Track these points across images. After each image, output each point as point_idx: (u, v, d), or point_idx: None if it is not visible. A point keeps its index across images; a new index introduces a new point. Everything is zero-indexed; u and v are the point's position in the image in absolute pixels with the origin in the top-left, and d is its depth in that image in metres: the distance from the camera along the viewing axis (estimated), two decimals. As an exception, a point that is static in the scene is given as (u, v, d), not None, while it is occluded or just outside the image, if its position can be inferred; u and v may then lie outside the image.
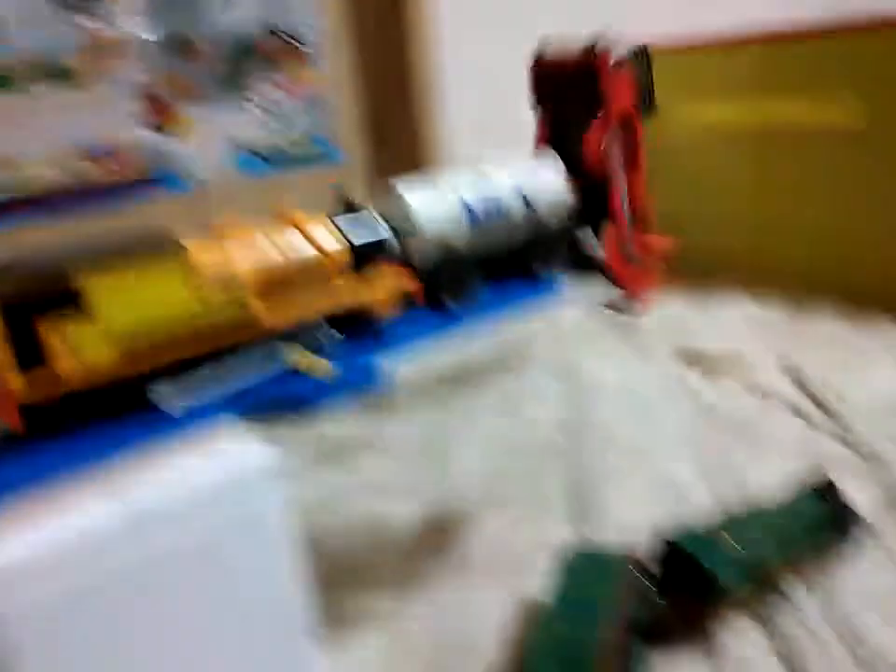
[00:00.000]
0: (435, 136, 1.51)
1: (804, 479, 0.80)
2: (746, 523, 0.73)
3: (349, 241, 0.68)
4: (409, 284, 0.74)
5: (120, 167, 1.22)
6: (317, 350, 0.65)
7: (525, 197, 0.85)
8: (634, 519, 0.86)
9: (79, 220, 1.18)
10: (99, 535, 0.43)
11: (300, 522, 0.94)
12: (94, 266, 0.54)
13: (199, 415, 0.56)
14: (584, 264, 0.91)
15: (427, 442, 1.12)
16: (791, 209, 1.58)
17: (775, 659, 0.66)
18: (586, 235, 0.93)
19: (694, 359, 1.29)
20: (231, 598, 0.48)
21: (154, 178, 1.26)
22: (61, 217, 1.17)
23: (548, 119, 0.93)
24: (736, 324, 1.43)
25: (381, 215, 0.74)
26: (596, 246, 0.91)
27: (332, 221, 0.69)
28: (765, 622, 0.70)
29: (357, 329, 0.69)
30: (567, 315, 1.45)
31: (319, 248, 0.66)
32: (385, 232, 0.72)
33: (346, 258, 0.67)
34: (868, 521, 0.81)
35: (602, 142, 0.84)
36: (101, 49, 1.19)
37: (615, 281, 0.87)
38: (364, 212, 0.72)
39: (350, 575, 0.84)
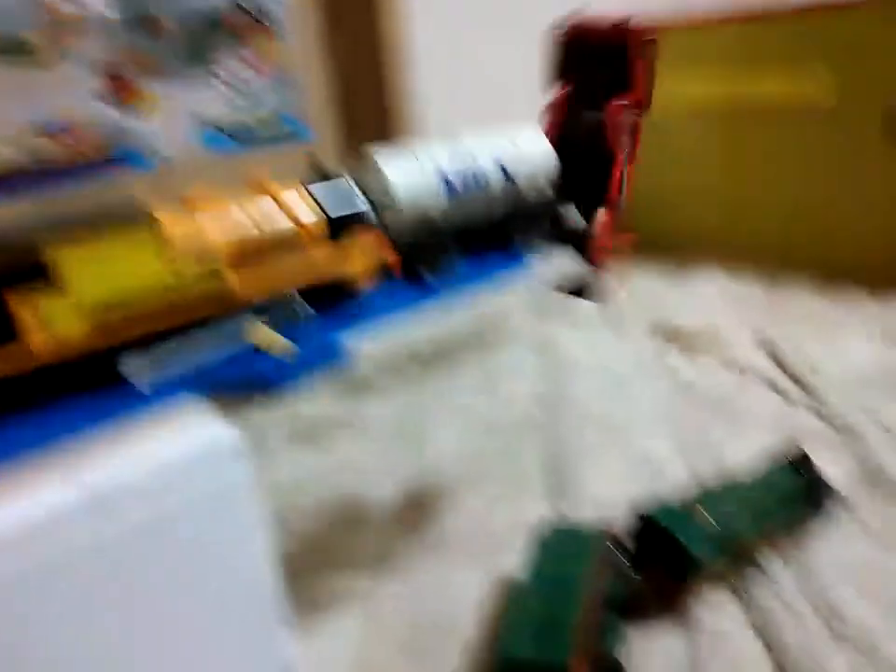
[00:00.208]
0: (406, 112, 1.49)
1: (778, 452, 0.80)
2: (720, 497, 0.73)
3: (326, 213, 0.67)
4: (386, 254, 0.72)
5: (82, 145, 1.19)
6: (291, 324, 0.64)
7: (504, 169, 0.83)
8: (610, 495, 0.86)
9: (39, 201, 1.15)
10: (61, 512, 0.42)
11: (274, 502, 0.94)
12: (65, 238, 0.52)
13: (165, 393, 0.55)
14: (565, 239, 0.90)
15: (403, 421, 1.11)
16: (765, 184, 1.59)
17: (751, 632, 0.66)
18: (568, 210, 0.91)
19: (671, 335, 1.29)
20: (197, 577, 0.47)
21: (117, 156, 1.23)
22: (20, 198, 1.14)
23: (568, 91, 0.88)
24: (712, 299, 1.43)
25: (357, 184, 0.72)
26: (578, 222, 0.90)
27: (308, 191, 0.68)
28: (741, 595, 0.70)
29: (334, 302, 0.68)
30: (543, 289, 1.44)
31: (295, 219, 0.64)
32: (362, 204, 0.70)
33: (320, 227, 0.66)
34: (843, 494, 0.81)
35: (622, 122, 0.82)
36: (61, 25, 1.15)
37: (592, 261, 0.85)
38: (340, 181, 0.71)
39: (326, 555, 0.83)
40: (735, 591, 0.70)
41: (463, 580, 0.77)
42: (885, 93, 1.34)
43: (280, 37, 1.38)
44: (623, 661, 0.62)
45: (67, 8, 1.15)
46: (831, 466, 0.85)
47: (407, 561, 0.81)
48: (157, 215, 0.57)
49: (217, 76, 1.31)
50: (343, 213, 0.69)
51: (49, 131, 1.16)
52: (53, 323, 0.52)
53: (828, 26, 1.40)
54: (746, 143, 1.59)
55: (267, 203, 0.64)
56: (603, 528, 0.70)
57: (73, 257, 0.52)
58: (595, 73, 0.84)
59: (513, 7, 1.58)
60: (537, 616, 0.60)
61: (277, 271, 0.64)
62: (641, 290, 1.51)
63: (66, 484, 0.43)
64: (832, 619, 0.65)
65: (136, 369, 0.56)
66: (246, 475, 0.49)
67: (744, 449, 0.90)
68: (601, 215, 0.84)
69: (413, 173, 0.77)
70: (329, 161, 0.75)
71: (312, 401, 1.18)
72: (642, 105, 0.84)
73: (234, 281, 0.61)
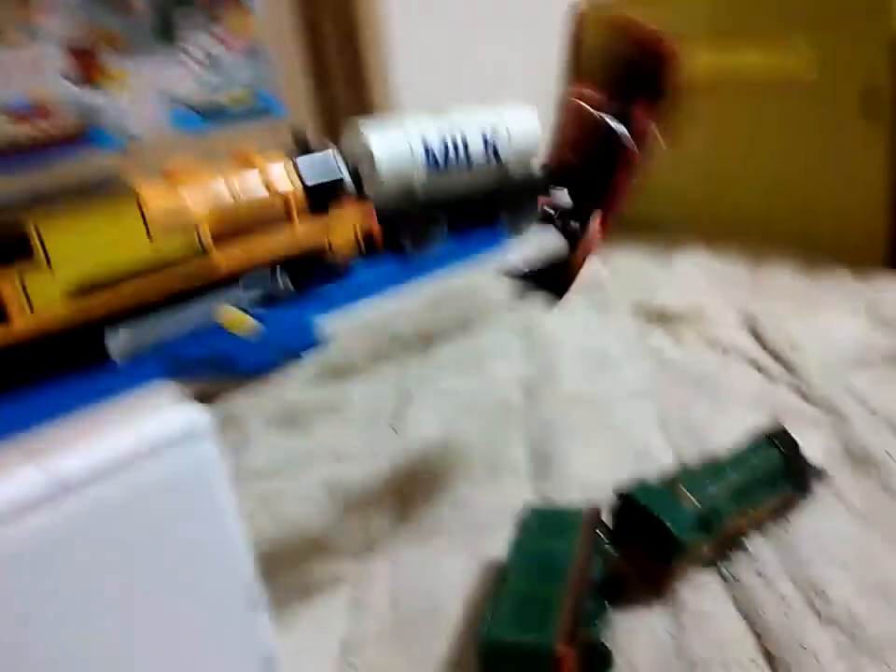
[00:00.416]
0: (382, 86, 1.47)
1: (761, 431, 0.79)
2: (702, 475, 0.73)
3: (305, 182, 0.66)
4: (368, 224, 0.72)
5: (49, 125, 1.16)
6: (273, 297, 0.64)
7: (491, 144, 0.82)
8: (595, 476, 0.86)
9: (4, 181, 1.12)
10: (22, 497, 0.41)
11: (257, 487, 0.93)
12: (47, 213, 0.52)
13: (137, 374, 0.54)
14: (547, 221, 0.89)
15: (387, 405, 1.10)
16: (747, 159, 1.58)
17: (734, 612, 0.66)
18: (556, 192, 0.90)
19: (654, 315, 1.28)
20: (168, 562, 0.46)
21: (84, 135, 1.20)
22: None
23: (589, 88, 0.85)
24: (696, 279, 1.43)
25: (342, 155, 0.71)
26: (565, 203, 0.89)
27: (291, 162, 0.67)
28: (724, 574, 0.70)
29: (316, 274, 0.68)
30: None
31: (275, 190, 0.64)
32: (340, 173, 0.69)
33: (302, 198, 0.66)
34: (826, 472, 0.81)
35: (643, 130, 0.78)
36: (27, 2, 1.12)
37: (575, 262, 0.82)
38: (324, 152, 0.70)
39: (310, 541, 0.82)
40: (718, 570, 0.70)
41: (448, 564, 0.76)
42: (865, 68, 1.33)
43: (252, 12, 1.35)
44: (607, 642, 0.62)
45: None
46: (814, 444, 0.85)
47: (392, 546, 0.80)
48: (138, 188, 0.57)
49: (187, 52, 1.28)
50: (323, 181, 0.68)
51: (15, 110, 1.13)
52: (35, 298, 0.52)
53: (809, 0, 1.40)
54: (728, 118, 1.59)
55: (248, 174, 0.64)
56: (585, 509, 0.70)
57: (55, 231, 0.52)
58: (623, 75, 0.80)
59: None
60: (520, 598, 0.60)
61: (259, 243, 0.64)
62: (625, 270, 1.51)
63: (33, 467, 0.42)
64: (815, 598, 0.65)
65: (118, 343, 0.56)
66: (216, 457, 0.48)
67: (727, 428, 0.90)
68: (596, 217, 0.81)
69: (397, 143, 0.76)
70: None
71: (293, 386, 1.17)
72: (668, 116, 0.80)
73: (216, 253, 0.60)
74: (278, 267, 0.65)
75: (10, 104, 1.12)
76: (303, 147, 0.71)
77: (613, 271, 1.50)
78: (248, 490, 0.93)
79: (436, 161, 0.79)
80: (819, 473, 0.80)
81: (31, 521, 0.41)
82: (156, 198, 0.57)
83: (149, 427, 0.46)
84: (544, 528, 0.68)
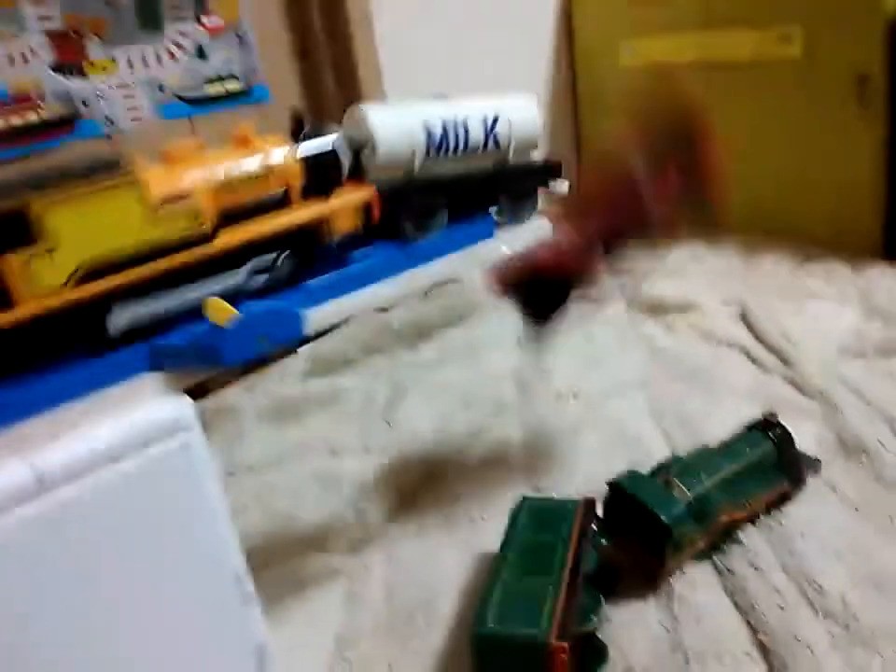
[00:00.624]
0: (369, 70, 1.46)
1: (754, 422, 0.79)
2: (694, 466, 0.73)
3: (304, 164, 0.66)
4: (367, 203, 0.72)
5: (32, 115, 1.15)
6: (273, 278, 0.64)
7: (492, 131, 0.82)
8: (588, 467, 0.86)
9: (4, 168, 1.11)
10: (7, 490, 0.40)
11: (251, 480, 0.93)
12: (49, 196, 0.52)
13: (120, 367, 0.54)
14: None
15: (381, 398, 1.10)
16: (740, 151, 1.57)
17: (728, 602, 0.66)
18: (559, 184, 0.91)
19: (649, 307, 1.28)
20: (156, 554, 0.46)
21: (70, 125, 1.19)
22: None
23: (628, 142, 0.80)
24: (689, 270, 1.42)
25: (344, 137, 0.71)
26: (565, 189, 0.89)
27: (293, 145, 0.68)
28: (717, 565, 0.70)
29: (317, 257, 0.68)
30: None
31: (274, 171, 0.64)
32: (342, 156, 0.69)
33: (302, 181, 0.66)
34: (820, 463, 0.81)
35: (670, 195, 0.76)
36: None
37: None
38: (326, 135, 0.70)
39: (304, 533, 0.82)
40: (712, 562, 0.70)
41: (442, 556, 0.76)
42: (858, 57, 1.33)
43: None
44: (601, 634, 0.62)
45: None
46: (807, 435, 0.85)
47: (386, 539, 0.80)
48: (139, 171, 0.57)
49: (173, 40, 1.27)
50: (324, 164, 0.69)
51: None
52: (39, 283, 0.52)
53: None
54: (721, 109, 1.57)
55: (249, 157, 0.64)
56: (579, 501, 0.70)
57: (58, 216, 0.52)
58: (662, 141, 0.79)
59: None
60: (514, 591, 0.60)
61: (260, 225, 0.64)
62: (621, 261, 1.50)
63: (18, 460, 0.42)
64: (809, 589, 0.65)
65: (117, 320, 0.57)
66: (203, 449, 0.48)
67: (721, 419, 0.90)
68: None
69: (398, 126, 0.76)
70: (286, 122, 0.73)
71: (287, 379, 1.16)
72: (699, 190, 0.79)
73: (216, 233, 0.61)
74: (280, 252, 0.65)
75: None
76: (303, 130, 0.71)
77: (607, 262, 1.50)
78: (242, 484, 0.93)
79: (437, 146, 0.79)
80: (812, 464, 0.80)
81: (16, 514, 0.40)
82: (157, 180, 0.58)
83: (135, 419, 0.45)
84: (538, 520, 0.68)
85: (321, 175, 0.68)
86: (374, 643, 0.67)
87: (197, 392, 0.89)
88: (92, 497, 0.44)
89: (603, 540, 0.67)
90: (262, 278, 0.64)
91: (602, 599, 0.62)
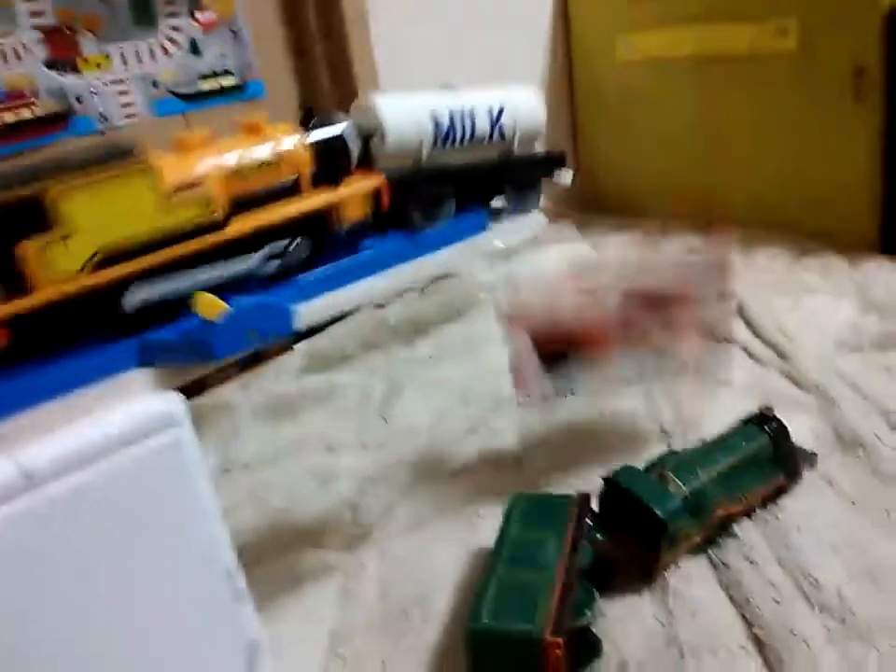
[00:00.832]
0: (364, 66, 1.45)
1: (750, 416, 0.79)
2: (689, 460, 0.73)
3: (314, 152, 0.67)
4: (377, 191, 0.72)
5: (26, 112, 1.15)
6: (285, 263, 0.65)
7: (497, 122, 0.83)
8: (585, 462, 0.85)
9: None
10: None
11: (247, 477, 0.92)
12: (65, 183, 0.53)
13: (109, 363, 0.54)
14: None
15: (377, 394, 1.10)
16: (736, 145, 1.58)
17: (723, 596, 0.66)
18: (562, 174, 0.91)
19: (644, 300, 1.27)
20: (146, 550, 0.46)
21: (60, 120, 1.18)
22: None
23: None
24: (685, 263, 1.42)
25: (354, 126, 0.72)
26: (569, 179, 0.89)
27: (303, 133, 0.68)
28: (712, 559, 0.70)
29: (327, 245, 0.68)
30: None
31: (285, 160, 0.65)
32: (352, 144, 0.69)
33: (312, 168, 0.67)
34: (816, 458, 0.81)
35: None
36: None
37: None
38: (336, 124, 0.70)
39: (299, 530, 0.82)
40: (707, 556, 0.70)
41: (438, 552, 0.76)
42: (855, 49, 1.33)
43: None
44: (595, 629, 0.62)
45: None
46: (804, 428, 0.85)
47: (382, 535, 0.80)
48: (152, 158, 0.58)
49: (165, 34, 1.27)
50: (334, 151, 0.69)
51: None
52: (55, 270, 0.53)
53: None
54: (717, 103, 1.58)
55: (260, 145, 0.65)
56: (574, 496, 0.69)
57: (73, 203, 0.53)
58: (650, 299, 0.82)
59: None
60: (508, 586, 0.60)
61: (270, 210, 0.65)
62: (615, 255, 1.50)
63: (4, 458, 0.42)
64: (805, 583, 0.65)
65: (132, 298, 0.58)
66: (193, 445, 0.47)
67: (718, 414, 0.90)
68: None
69: (407, 115, 0.77)
70: (284, 114, 0.73)
71: (283, 376, 1.16)
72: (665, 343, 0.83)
73: (228, 220, 0.62)
74: (291, 239, 0.66)
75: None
76: (313, 119, 0.72)
77: (603, 256, 1.50)
78: (238, 481, 0.93)
79: (444, 136, 0.79)
80: (808, 457, 0.80)
81: (3, 512, 0.40)
82: (170, 167, 0.59)
83: (125, 416, 0.45)
84: (532, 516, 0.67)
85: (331, 162, 0.69)
86: (369, 639, 0.67)
87: (193, 389, 0.90)
88: (81, 493, 0.43)
89: (598, 535, 0.67)
90: (275, 263, 0.65)
91: (596, 594, 0.62)
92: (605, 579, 0.66)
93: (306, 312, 0.62)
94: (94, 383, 0.53)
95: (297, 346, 1.19)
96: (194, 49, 1.30)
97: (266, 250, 0.64)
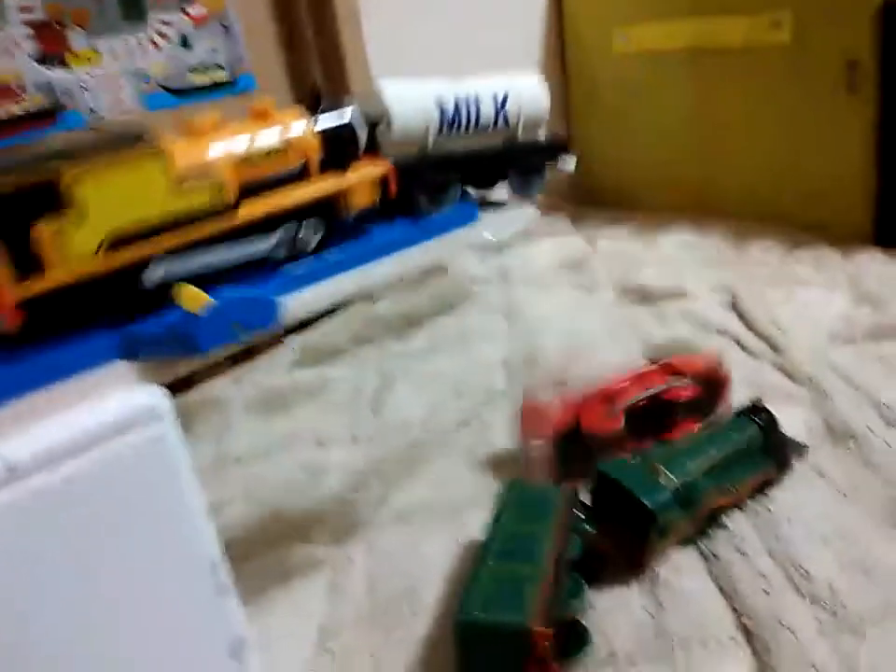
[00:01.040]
0: (356, 57, 1.44)
1: (741, 408, 0.79)
2: (679, 452, 0.72)
3: (322, 137, 0.68)
4: (384, 177, 0.72)
5: (15, 107, 1.14)
6: (295, 246, 0.65)
7: (502, 108, 0.83)
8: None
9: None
10: None
11: (237, 472, 0.92)
12: (80, 167, 0.54)
13: (93, 355, 0.54)
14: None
15: (369, 388, 1.09)
16: (730, 138, 1.57)
17: (713, 588, 0.65)
18: (565, 161, 0.91)
19: (639, 295, 1.27)
20: (129, 544, 0.45)
21: (49, 115, 1.18)
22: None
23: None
24: (681, 257, 1.42)
25: (360, 111, 0.72)
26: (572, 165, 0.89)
27: (311, 119, 0.68)
28: (702, 551, 0.70)
29: (335, 229, 0.69)
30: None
31: (294, 145, 0.65)
32: (359, 130, 0.70)
33: (318, 148, 0.67)
34: (807, 449, 0.81)
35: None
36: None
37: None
38: (343, 110, 0.71)
39: (290, 524, 0.82)
40: (697, 547, 0.70)
41: (427, 545, 0.76)
42: (848, 43, 1.32)
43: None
44: (584, 620, 0.61)
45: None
46: (797, 421, 0.85)
47: (371, 529, 0.80)
48: (165, 143, 0.59)
49: (155, 28, 1.26)
50: (341, 137, 0.70)
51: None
52: (71, 251, 0.54)
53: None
54: (711, 96, 1.58)
55: (270, 130, 0.66)
56: (563, 487, 0.69)
57: (88, 186, 0.54)
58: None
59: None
60: (497, 578, 0.59)
61: (279, 195, 0.67)
62: (609, 249, 1.50)
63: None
64: (795, 574, 0.65)
65: (151, 275, 0.60)
66: (177, 439, 0.47)
67: (710, 406, 0.89)
68: None
69: (413, 102, 0.77)
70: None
71: (275, 370, 1.15)
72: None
73: (238, 205, 0.64)
74: (300, 223, 0.67)
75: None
76: (321, 105, 0.72)
77: (598, 250, 1.49)
78: (229, 474, 0.92)
79: (450, 122, 0.80)
80: (799, 449, 0.80)
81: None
82: (182, 152, 0.60)
83: (107, 409, 0.45)
84: (522, 507, 0.67)
85: (338, 148, 0.70)
86: (357, 633, 0.66)
87: (183, 384, 0.89)
88: (64, 486, 0.43)
89: (588, 527, 0.67)
90: (284, 248, 0.65)
91: (585, 585, 0.62)
92: (594, 570, 0.66)
93: (296, 303, 0.63)
94: (78, 374, 0.52)
95: (288, 340, 1.19)
96: (184, 43, 1.29)
97: (280, 233, 0.65)
